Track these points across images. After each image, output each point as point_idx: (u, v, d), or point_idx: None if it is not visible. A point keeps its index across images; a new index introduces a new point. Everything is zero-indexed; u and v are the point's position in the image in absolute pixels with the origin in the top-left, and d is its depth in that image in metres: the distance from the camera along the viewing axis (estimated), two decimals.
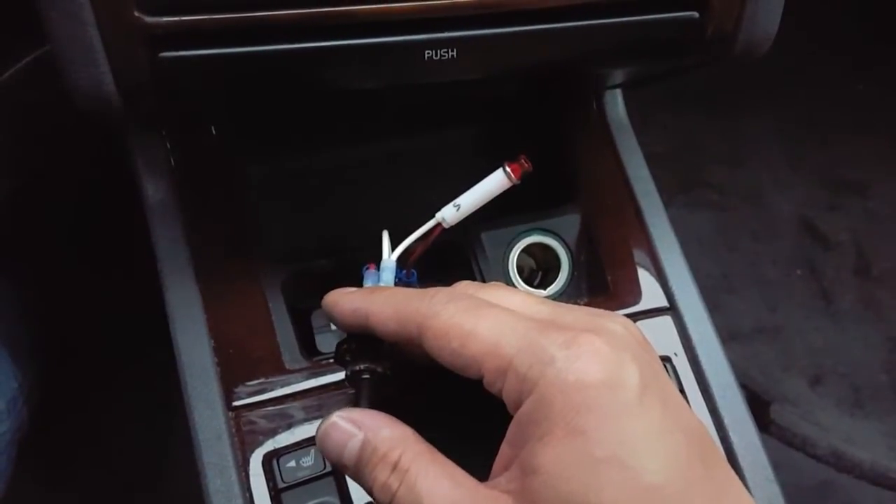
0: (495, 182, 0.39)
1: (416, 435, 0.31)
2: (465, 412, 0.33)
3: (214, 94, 0.40)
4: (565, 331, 0.29)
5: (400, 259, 0.40)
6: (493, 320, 0.30)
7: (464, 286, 0.34)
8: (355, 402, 0.34)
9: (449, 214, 0.39)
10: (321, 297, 0.37)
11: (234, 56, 0.36)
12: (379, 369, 0.34)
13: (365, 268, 0.40)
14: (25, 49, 0.52)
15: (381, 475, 0.29)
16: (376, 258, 0.40)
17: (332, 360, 0.45)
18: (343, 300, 0.35)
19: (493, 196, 0.40)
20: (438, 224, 0.40)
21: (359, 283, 0.39)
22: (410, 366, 0.34)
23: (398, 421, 0.31)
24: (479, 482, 0.29)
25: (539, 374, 0.28)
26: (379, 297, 0.34)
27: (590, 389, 0.27)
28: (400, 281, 0.39)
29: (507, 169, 0.39)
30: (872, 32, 1.28)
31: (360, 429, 0.31)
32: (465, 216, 0.40)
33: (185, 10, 0.35)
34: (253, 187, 0.52)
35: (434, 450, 0.30)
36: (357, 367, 0.34)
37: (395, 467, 0.29)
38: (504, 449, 0.30)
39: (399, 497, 0.29)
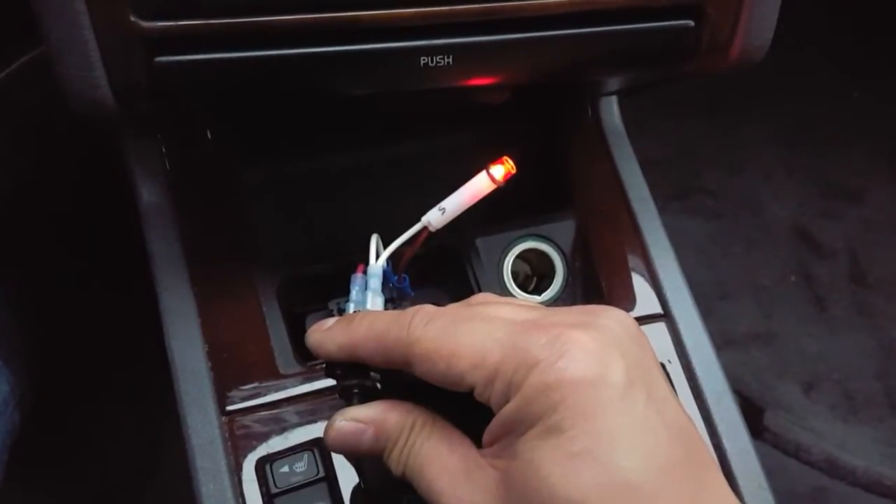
0: (478, 184, 0.39)
1: (418, 407, 0.33)
2: (457, 422, 0.33)
3: (210, 98, 0.40)
4: (550, 329, 0.29)
5: (392, 264, 0.39)
6: (473, 334, 0.30)
7: (452, 307, 0.34)
8: None
9: (434, 218, 0.39)
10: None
11: (230, 61, 0.36)
12: (368, 384, 0.34)
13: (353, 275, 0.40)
14: (21, 49, 0.52)
15: (396, 453, 0.33)
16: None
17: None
18: (325, 340, 0.35)
19: (479, 198, 0.39)
20: (425, 228, 0.39)
21: None
22: (401, 379, 0.34)
23: (397, 402, 0.33)
24: (473, 446, 0.31)
25: (523, 377, 0.28)
26: (359, 329, 0.33)
27: (569, 387, 0.27)
28: (392, 286, 0.39)
29: (490, 171, 0.39)
30: (868, 40, 1.28)
31: (366, 424, 0.33)
32: (450, 219, 0.39)
33: (181, 15, 0.35)
34: (248, 191, 0.52)
35: (435, 417, 0.33)
36: (347, 383, 0.35)
37: (405, 444, 0.32)
38: (486, 438, 0.31)
39: (408, 467, 0.32)
